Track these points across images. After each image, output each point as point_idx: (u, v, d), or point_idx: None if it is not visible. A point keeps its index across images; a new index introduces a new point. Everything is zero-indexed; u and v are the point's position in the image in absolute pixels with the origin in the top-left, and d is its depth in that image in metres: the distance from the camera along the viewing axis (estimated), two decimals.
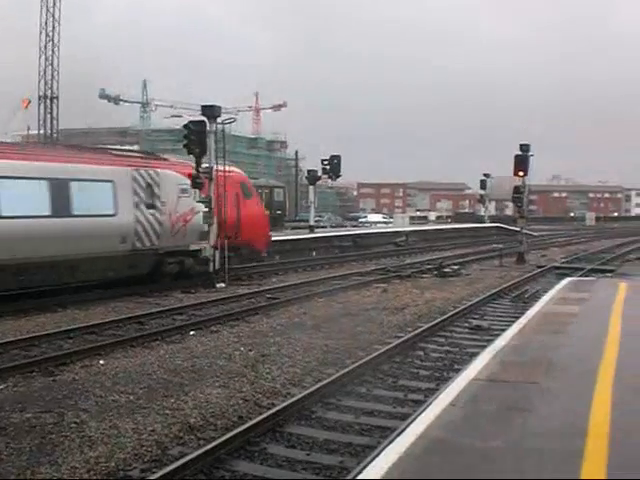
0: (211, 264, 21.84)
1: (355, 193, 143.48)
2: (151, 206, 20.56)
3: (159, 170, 21.20)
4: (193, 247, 22.36)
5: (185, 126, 22.76)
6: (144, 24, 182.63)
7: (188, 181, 21.77)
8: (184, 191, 21.74)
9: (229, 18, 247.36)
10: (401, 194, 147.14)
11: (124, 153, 23.82)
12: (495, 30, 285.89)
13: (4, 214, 16.38)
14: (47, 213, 17.52)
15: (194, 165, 21.66)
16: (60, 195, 17.84)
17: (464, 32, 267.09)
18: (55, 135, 55.36)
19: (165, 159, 23.28)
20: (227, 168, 23.61)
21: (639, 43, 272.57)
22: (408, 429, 6.21)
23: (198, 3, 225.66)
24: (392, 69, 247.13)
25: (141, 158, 22.42)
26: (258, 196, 30.09)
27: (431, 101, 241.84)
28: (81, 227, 18.24)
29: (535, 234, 51.23)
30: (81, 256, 18.36)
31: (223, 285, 21.67)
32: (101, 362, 11.63)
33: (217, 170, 22.48)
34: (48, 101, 55.62)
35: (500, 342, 10.05)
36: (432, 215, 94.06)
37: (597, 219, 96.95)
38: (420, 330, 13.94)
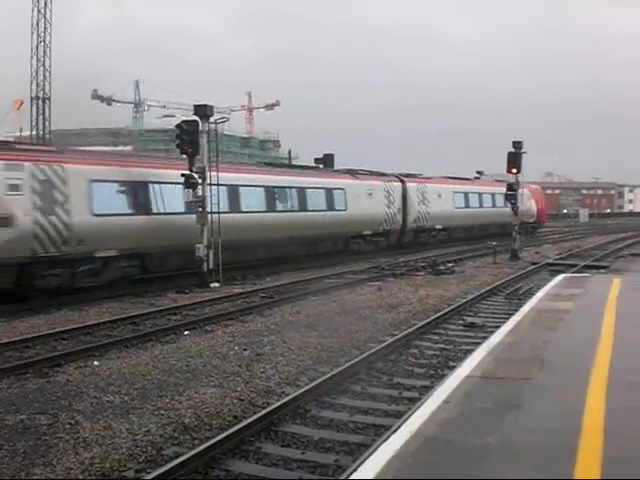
0: (204, 264, 21.80)
1: None
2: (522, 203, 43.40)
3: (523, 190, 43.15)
4: (530, 221, 50.05)
5: (177, 126, 22.67)
6: (130, 28, 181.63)
7: (528, 192, 48.93)
8: (528, 197, 48.40)
9: (212, 25, 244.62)
10: None
11: (497, 181, 47.23)
12: (470, 34, 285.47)
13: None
14: (478, 206, 44.40)
15: (188, 165, 21.63)
16: (491, 200, 45.75)
17: (442, 35, 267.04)
18: (47, 136, 55.11)
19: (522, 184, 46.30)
20: (534, 186, 58.05)
21: (621, 46, 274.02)
22: (403, 427, 6.21)
23: (181, 11, 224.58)
24: (374, 71, 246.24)
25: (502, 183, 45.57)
26: (544, 198, 61.30)
27: (421, 102, 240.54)
28: (495, 211, 44.31)
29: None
30: (490, 222, 44.19)
31: (217, 285, 21.64)
32: (95, 363, 11.62)
33: (524, 186, 45.28)
34: (40, 102, 55.37)
35: (494, 339, 10.05)
36: None
37: (590, 215, 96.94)
38: (414, 328, 13.95)
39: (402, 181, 37.10)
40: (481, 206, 45.01)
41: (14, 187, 17.47)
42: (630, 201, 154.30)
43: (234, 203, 24.63)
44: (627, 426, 6.10)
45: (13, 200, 17.39)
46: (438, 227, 39.88)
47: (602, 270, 25.25)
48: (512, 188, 32.40)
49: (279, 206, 27.54)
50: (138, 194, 21.22)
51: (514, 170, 31.65)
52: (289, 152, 57.37)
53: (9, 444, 7.69)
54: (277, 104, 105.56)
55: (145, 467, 7.14)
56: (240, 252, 24.35)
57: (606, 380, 7.52)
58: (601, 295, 14.41)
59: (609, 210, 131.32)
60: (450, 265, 27.42)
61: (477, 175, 49.89)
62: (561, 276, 19.35)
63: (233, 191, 24.70)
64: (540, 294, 15.15)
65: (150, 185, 21.64)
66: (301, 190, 28.75)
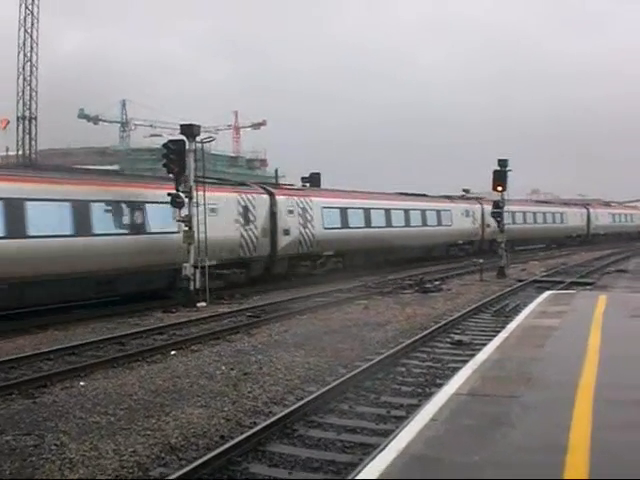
0: (191, 283, 21.72)
1: None
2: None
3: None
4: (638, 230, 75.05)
5: (164, 145, 22.68)
6: (116, 50, 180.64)
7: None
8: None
9: (198, 48, 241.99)
10: None
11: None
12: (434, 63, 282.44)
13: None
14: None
15: (175, 185, 21.65)
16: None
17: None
18: (34, 156, 54.92)
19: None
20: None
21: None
22: (390, 445, 6.21)
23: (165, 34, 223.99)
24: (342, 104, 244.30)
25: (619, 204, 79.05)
26: None
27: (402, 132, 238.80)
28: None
29: (516, 248, 51.51)
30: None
31: (204, 304, 21.57)
32: (81, 383, 11.56)
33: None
34: (27, 122, 55.22)
35: (481, 356, 10.06)
36: None
37: None
38: (402, 346, 13.96)
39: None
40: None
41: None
42: None
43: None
44: (613, 443, 6.12)
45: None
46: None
47: (588, 287, 25.36)
48: (497, 205, 32.61)
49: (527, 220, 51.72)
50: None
51: (499, 188, 31.79)
52: (276, 171, 57.48)
53: None
54: (263, 123, 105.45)
55: None
56: None
57: (592, 397, 7.54)
58: (587, 312, 14.46)
59: None
60: (437, 283, 27.47)
61: (463, 193, 50.13)
62: (547, 293, 19.41)
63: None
64: (527, 311, 15.18)
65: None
66: (525, 213, 50.85)
